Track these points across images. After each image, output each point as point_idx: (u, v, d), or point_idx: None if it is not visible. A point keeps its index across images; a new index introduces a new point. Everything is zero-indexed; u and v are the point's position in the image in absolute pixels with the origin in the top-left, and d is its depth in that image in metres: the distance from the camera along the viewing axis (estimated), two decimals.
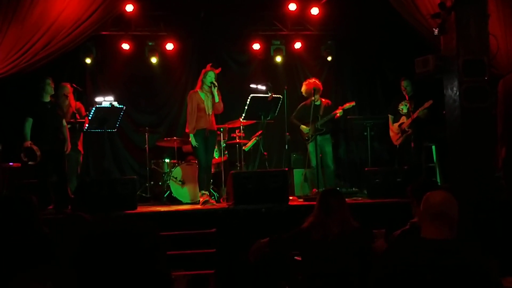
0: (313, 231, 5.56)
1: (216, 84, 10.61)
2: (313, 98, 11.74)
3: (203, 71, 10.76)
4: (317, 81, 12.14)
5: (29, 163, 9.98)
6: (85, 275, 1.80)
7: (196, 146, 10.63)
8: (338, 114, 11.81)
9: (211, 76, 10.64)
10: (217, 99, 10.64)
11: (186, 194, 11.54)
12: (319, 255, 5.51)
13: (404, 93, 11.81)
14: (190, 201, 11.36)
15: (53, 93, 10.34)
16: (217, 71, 10.76)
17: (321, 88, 12.09)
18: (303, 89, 12.15)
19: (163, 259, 1.58)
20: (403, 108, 11.77)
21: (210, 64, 10.87)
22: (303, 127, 11.98)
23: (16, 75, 10.04)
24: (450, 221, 3.83)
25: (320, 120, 11.80)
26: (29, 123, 10.00)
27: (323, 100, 12.15)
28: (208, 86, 10.62)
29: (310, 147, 11.89)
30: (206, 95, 10.64)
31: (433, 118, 11.29)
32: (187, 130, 10.77)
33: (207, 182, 10.81)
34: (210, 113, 10.68)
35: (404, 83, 11.79)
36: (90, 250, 1.66)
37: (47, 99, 10.25)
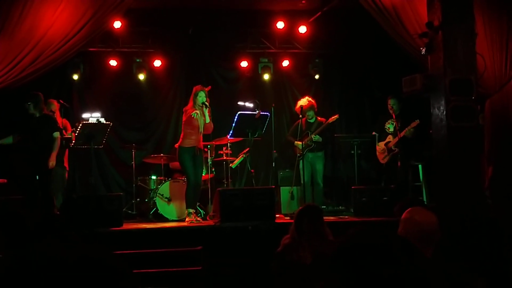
0: (290, 252, 5.51)
1: (207, 105, 10.62)
2: (305, 115, 11.97)
3: (194, 90, 10.76)
4: (311, 99, 12.27)
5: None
6: None
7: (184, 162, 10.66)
8: (326, 122, 12.00)
9: (201, 96, 10.63)
10: (207, 119, 10.65)
11: (172, 211, 11.50)
12: (300, 277, 5.44)
13: (391, 111, 11.82)
14: (177, 218, 11.32)
15: (42, 108, 10.33)
16: (207, 89, 10.77)
17: (315, 106, 12.25)
18: (304, 105, 12.19)
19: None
20: (390, 126, 11.78)
21: (200, 85, 10.89)
22: (297, 142, 12.06)
23: (3, 91, 10.00)
24: (433, 241, 3.82)
25: (311, 133, 11.94)
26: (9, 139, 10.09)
27: (319, 118, 12.29)
28: (200, 106, 10.62)
29: (301, 163, 11.93)
30: (201, 115, 10.64)
31: (420, 137, 11.32)
32: (176, 146, 10.80)
33: (195, 199, 10.80)
34: (202, 131, 10.71)
35: (390, 102, 11.81)
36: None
37: (37, 114, 10.24)
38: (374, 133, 12.25)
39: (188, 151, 10.64)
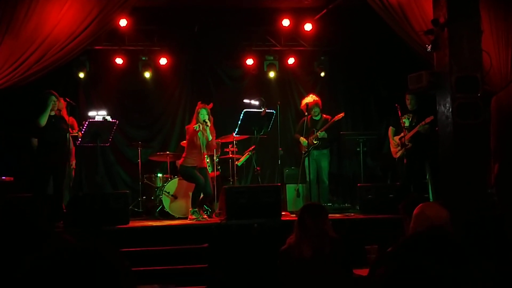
0: (293, 249, 5.56)
1: (208, 123, 10.65)
2: (311, 113, 12.08)
3: (196, 108, 10.85)
4: (316, 97, 12.28)
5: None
6: None
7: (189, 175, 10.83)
8: (331, 120, 12.00)
9: (203, 113, 10.69)
10: (209, 137, 10.69)
11: (178, 209, 11.51)
12: (301, 274, 5.49)
13: (408, 106, 11.72)
14: (182, 216, 11.33)
15: (56, 107, 10.39)
16: (209, 106, 10.83)
17: (320, 103, 12.26)
18: (309, 103, 12.21)
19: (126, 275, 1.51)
20: (406, 121, 11.64)
21: (200, 101, 10.96)
22: (302, 139, 12.09)
23: (9, 89, 10.02)
24: None
25: (317, 131, 11.96)
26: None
27: (324, 115, 12.29)
28: (201, 124, 10.66)
29: (307, 161, 11.94)
30: (202, 134, 10.68)
31: (431, 134, 11.24)
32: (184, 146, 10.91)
33: (203, 201, 10.88)
34: (205, 151, 10.79)
35: (408, 96, 11.72)
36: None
37: (52, 113, 10.28)
38: (391, 127, 12.13)
39: (188, 169, 10.79)
